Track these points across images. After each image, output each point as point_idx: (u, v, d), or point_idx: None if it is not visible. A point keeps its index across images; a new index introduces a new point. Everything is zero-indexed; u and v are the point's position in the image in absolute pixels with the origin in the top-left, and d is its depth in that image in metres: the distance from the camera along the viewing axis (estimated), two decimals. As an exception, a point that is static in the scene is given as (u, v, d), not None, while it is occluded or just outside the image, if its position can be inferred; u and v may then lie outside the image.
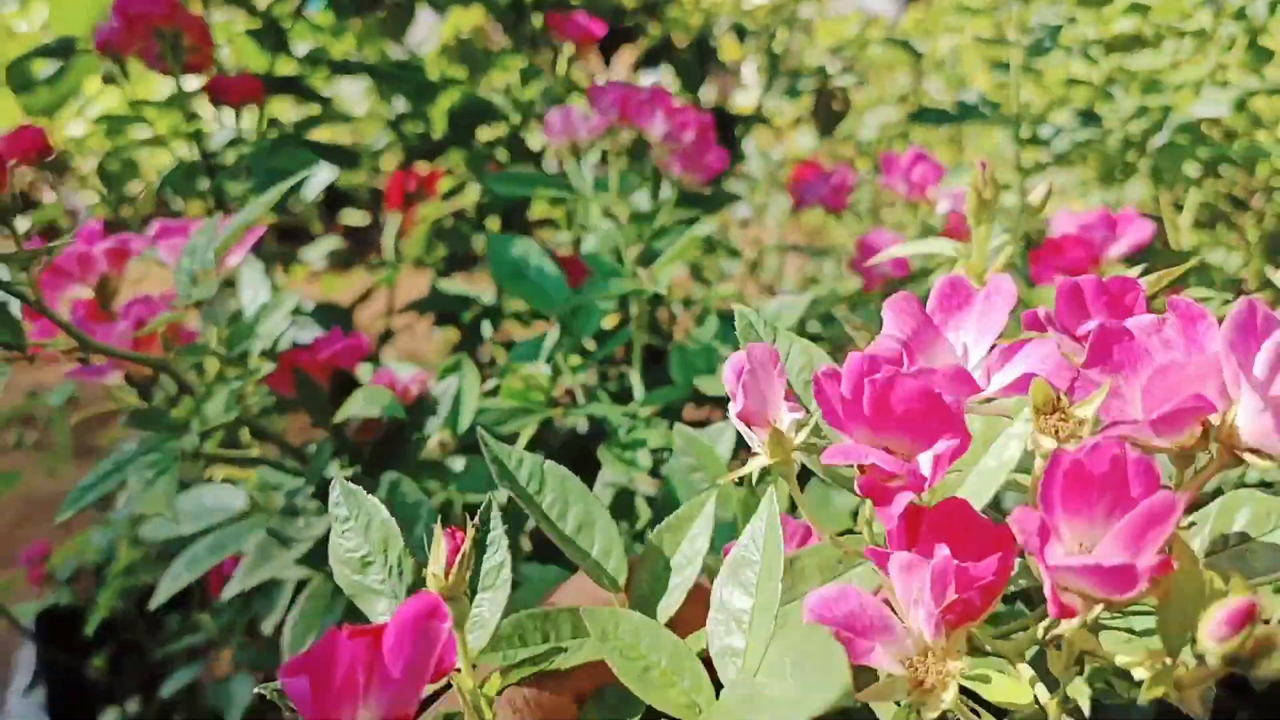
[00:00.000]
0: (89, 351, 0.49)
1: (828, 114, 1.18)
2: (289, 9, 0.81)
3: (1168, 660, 0.25)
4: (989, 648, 0.30)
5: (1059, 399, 0.29)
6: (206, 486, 0.62)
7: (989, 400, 0.32)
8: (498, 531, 0.33)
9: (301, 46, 0.93)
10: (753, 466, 0.33)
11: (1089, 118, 1.19)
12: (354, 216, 1.40)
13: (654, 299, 0.74)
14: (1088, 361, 0.29)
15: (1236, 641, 0.23)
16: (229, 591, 0.54)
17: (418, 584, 0.32)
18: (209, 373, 0.56)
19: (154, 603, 0.58)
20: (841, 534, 0.36)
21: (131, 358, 0.50)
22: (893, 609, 0.27)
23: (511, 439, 0.63)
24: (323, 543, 0.52)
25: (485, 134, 1.09)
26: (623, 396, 0.71)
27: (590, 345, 0.71)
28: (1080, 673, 0.29)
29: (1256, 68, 1.38)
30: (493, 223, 1.10)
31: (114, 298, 0.58)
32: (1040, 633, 0.29)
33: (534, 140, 1.11)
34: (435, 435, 0.59)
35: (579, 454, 0.68)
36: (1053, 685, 0.28)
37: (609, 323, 0.76)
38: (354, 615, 0.52)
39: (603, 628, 0.33)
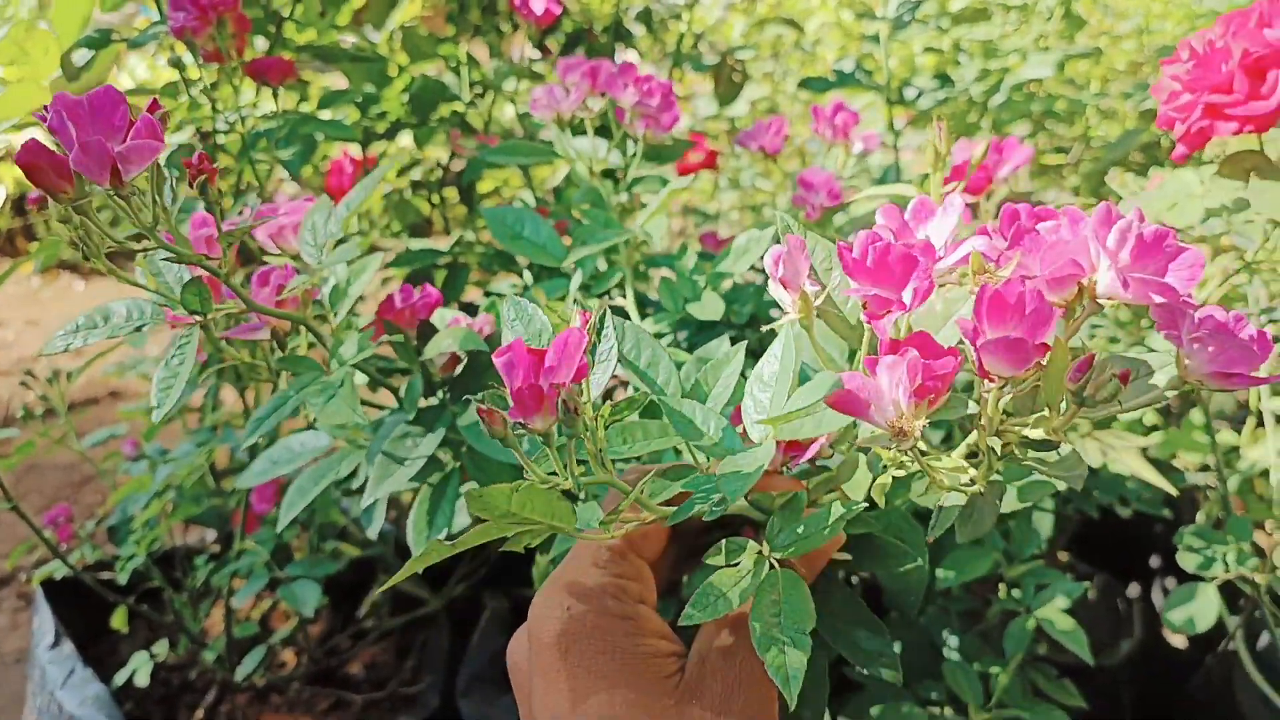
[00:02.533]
0: (252, 312, 0.58)
1: (728, 84, 1.35)
2: (288, 0, 0.92)
3: (1047, 411, 0.41)
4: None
5: (988, 265, 0.43)
6: (292, 436, 0.71)
7: (946, 272, 0.47)
8: (609, 329, 0.46)
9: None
10: (784, 321, 0.48)
11: (944, 80, 1.40)
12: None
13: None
14: (1009, 245, 0.43)
15: (1081, 383, 0.38)
16: (365, 500, 0.62)
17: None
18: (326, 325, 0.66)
19: (279, 525, 0.66)
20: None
21: (286, 316, 0.59)
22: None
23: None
24: (430, 460, 0.62)
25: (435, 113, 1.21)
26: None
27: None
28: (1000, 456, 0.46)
29: (1071, 35, 1.63)
30: (450, 193, 1.22)
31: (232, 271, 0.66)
32: (975, 431, 0.43)
33: (475, 119, 1.24)
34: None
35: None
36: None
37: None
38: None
39: (669, 408, 0.47)
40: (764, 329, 0.61)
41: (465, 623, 1.16)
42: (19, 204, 3.49)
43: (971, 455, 0.45)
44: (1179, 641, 1.56)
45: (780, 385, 0.47)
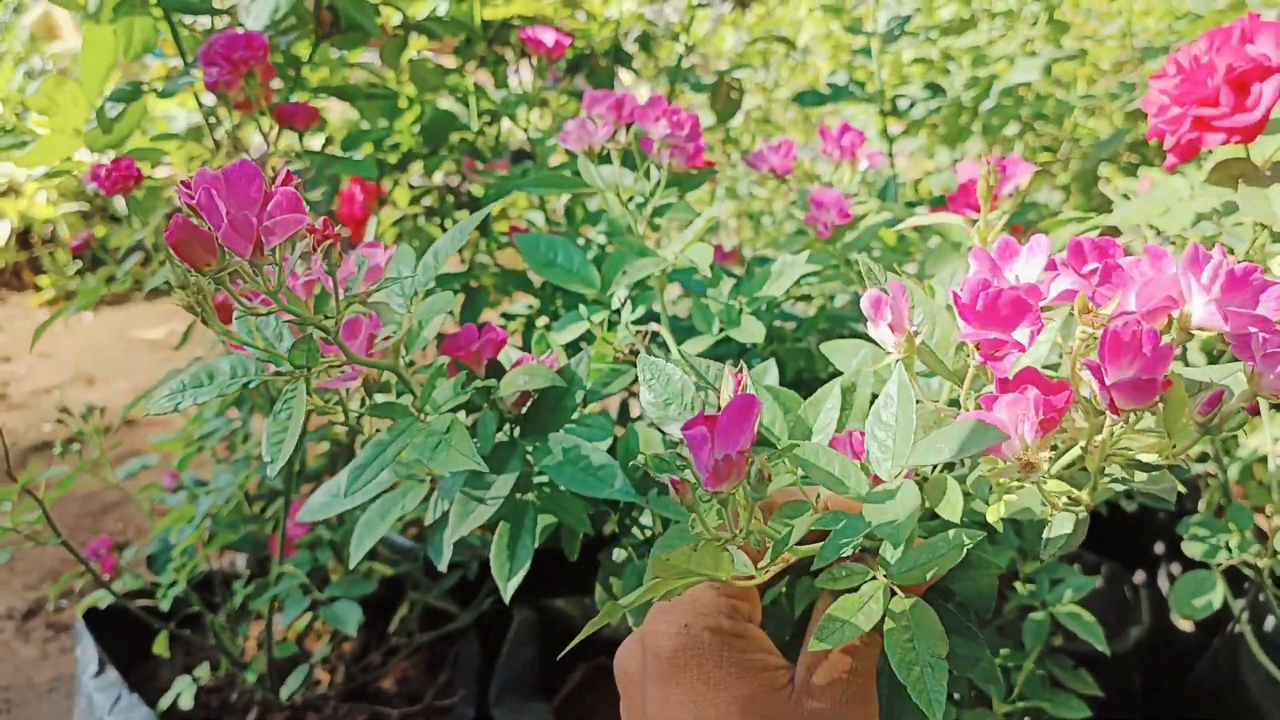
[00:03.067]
0: (350, 364, 0.57)
1: (727, 102, 1.39)
2: (307, 46, 0.96)
3: (1167, 439, 0.44)
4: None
5: (1089, 304, 0.46)
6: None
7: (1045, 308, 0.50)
8: (749, 385, 0.49)
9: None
10: (889, 360, 0.50)
11: (935, 90, 1.44)
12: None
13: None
14: (1099, 283, 0.46)
15: (1209, 415, 0.41)
16: (448, 538, 0.62)
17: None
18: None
19: (352, 563, 0.67)
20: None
21: (380, 365, 0.59)
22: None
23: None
24: (509, 498, 0.62)
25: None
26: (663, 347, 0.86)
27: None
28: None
29: (1056, 39, 1.67)
30: (461, 217, 1.26)
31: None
32: (1079, 449, 0.45)
33: (483, 145, 1.27)
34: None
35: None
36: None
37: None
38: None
39: (797, 453, 0.49)
40: (870, 369, 0.62)
41: (495, 635, 1.20)
42: (24, 237, 3.53)
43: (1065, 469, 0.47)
44: (1186, 626, 1.59)
45: (902, 427, 0.47)
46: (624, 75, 1.93)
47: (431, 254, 0.59)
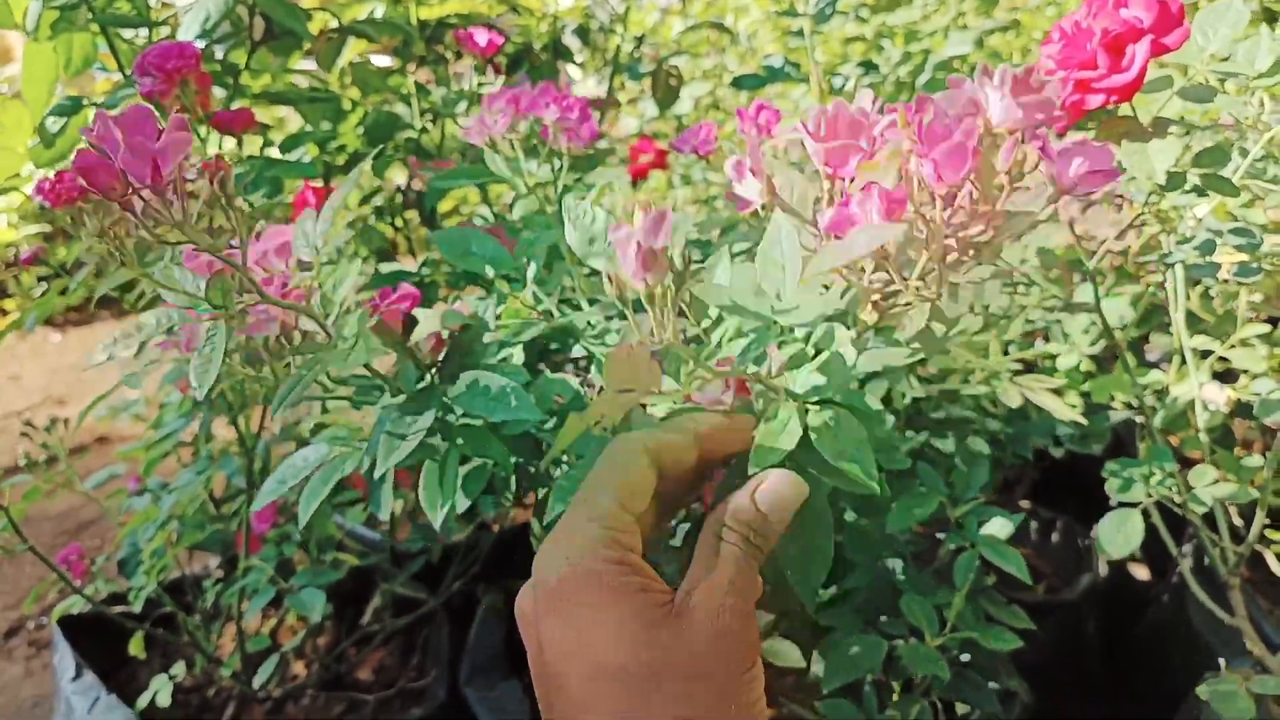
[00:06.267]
0: (266, 304, 0.60)
1: (666, 90, 1.42)
2: (244, 53, 0.99)
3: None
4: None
5: (908, 119, 0.51)
6: (295, 454, 0.75)
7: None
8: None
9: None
10: (755, 205, 0.56)
11: (869, 67, 1.48)
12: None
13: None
14: (917, 109, 0.50)
15: (1009, 165, 0.46)
16: (377, 473, 0.66)
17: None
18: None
19: (301, 520, 0.70)
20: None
21: (293, 307, 0.62)
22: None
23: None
24: (427, 435, 0.66)
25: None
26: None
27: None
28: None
29: (988, 11, 1.72)
30: (411, 216, 1.29)
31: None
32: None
33: (428, 143, 1.30)
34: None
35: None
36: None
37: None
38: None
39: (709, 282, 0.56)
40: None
41: (463, 618, 1.23)
42: (-14, 262, 3.51)
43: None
44: (1143, 574, 1.65)
45: (791, 254, 0.53)
46: (573, 70, 1.96)
47: (327, 207, 0.65)
